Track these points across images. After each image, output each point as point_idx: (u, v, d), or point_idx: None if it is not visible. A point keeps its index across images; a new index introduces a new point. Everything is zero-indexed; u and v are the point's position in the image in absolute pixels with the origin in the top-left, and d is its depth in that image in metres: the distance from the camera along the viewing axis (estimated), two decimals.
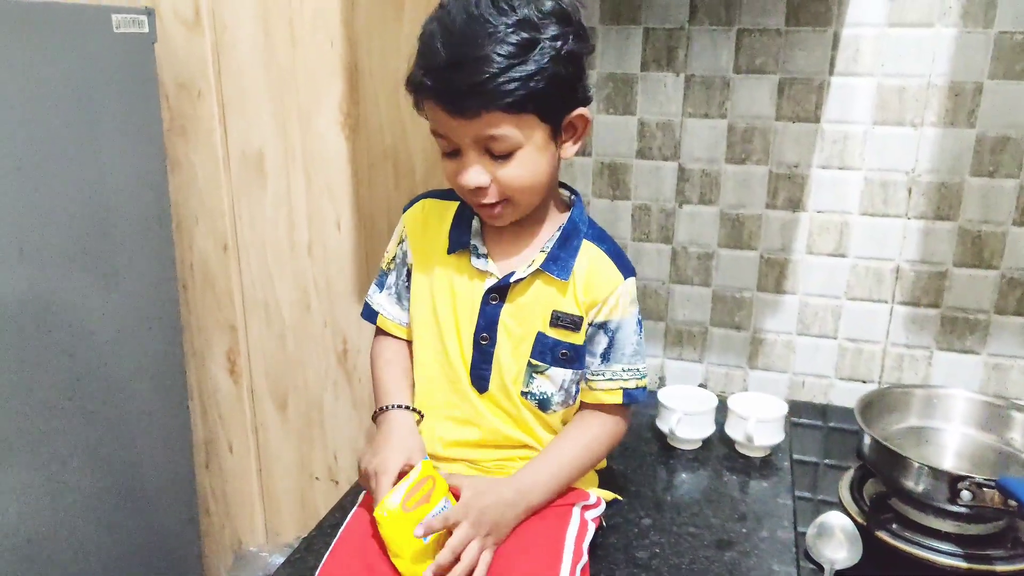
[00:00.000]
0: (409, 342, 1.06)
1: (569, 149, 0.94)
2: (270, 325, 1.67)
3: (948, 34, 1.21)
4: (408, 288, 1.05)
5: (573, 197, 1.03)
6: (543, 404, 0.99)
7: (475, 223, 1.00)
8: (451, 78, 0.84)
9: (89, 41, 1.33)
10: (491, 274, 0.98)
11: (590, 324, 0.98)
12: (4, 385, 1.25)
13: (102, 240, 1.39)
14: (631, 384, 1.00)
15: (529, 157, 0.89)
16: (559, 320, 0.97)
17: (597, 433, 1.00)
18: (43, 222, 1.28)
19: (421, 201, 1.06)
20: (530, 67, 0.84)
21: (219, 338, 1.71)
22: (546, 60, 0.84)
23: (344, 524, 0.95)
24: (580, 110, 0.92)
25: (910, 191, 1.28)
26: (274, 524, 1.82)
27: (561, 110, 0.90)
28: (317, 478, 1.75)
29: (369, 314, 1.08)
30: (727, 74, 1.31)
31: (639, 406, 1.05)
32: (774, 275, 1.38)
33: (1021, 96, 1.20)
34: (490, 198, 0.91)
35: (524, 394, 0.99)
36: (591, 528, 0.96)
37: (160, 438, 1.59)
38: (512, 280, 0.96)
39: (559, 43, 0.86)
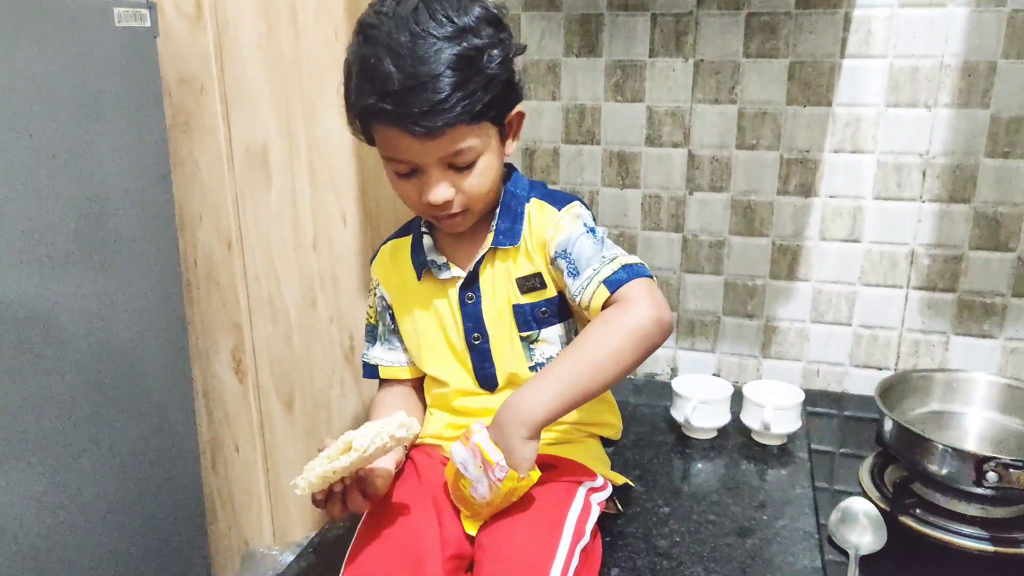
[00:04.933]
0: (417, 379, 1.08)
1: (511, 146, 0.97)
2: (276, 323, 1.65)
3: (961, 13, 1.19)
4: (396, 331, 1.07)
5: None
6: None
7: (426, 241, 1.01)
8: (410, 100, 0.84)
9: (90, 35, 1.31)
10: (457, 277, 0.99)
11: (551, 265, 0.96)
12: (7, 387, 1.23)
13: (104, 238, 1.37)
14: (606, 272, 0.88)
15: (487, 163, 0.91)
16: (524, 285, 0.97)
17: (597, 324, 0.87)
18: (44, 220, 1.26)
19: (382, 248, 1.09)
20: (483, 76, 0.86)
21: (224, 336, 1.69)
22: (495, 66, 0.87)
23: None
24: (518, 107, 0.95)
25: (924, 174, 1.26)
26: (282, 525, 1.80)
27: (507, 111, 0.93)
28: None
29: (370, 371, 1.09)
30: (737, 59, 1.30)
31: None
32: (787, 262, 1.36)
33: None
34: (454, 209, 0.93)
35: (534, 368, 0.98)
36: (595, 510, 0.93)
37: (166, 439, 1.56)
38: (474, 267, 0.98)
39: (501, 47, 0.88)
